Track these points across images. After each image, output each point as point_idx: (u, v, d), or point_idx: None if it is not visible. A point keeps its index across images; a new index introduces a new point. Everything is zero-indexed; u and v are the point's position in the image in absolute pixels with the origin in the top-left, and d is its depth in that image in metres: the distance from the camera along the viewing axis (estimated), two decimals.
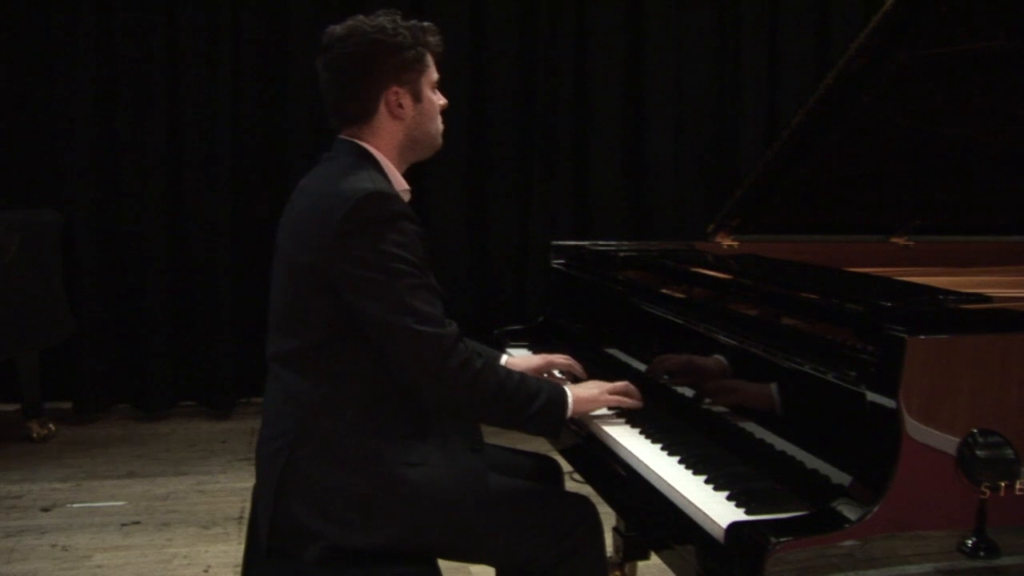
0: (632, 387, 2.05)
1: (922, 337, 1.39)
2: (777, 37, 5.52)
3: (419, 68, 1.95)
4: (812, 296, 1.80)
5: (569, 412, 1.95)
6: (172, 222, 5.04)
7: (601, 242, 2.77)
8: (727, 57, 5.51)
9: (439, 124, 2.01)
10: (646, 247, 2.74)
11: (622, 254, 2.57)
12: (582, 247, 2.79)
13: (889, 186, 2.65)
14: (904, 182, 2.62)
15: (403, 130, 1.96)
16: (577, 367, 2.30)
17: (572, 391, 1.98)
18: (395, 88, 1.92)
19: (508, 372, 1.92)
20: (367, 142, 1.94)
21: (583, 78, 5.35)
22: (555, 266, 2.80)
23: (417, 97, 1.95)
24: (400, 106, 1.93)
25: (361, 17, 1.94)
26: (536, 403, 1.89)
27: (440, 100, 2.01)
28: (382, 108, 1.93)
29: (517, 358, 2.35)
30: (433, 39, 1.98)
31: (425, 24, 1.97)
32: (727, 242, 2.70)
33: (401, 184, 1.97)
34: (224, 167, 5.01)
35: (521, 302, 5.29)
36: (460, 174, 5.27)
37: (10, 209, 4.54)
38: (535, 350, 2.65)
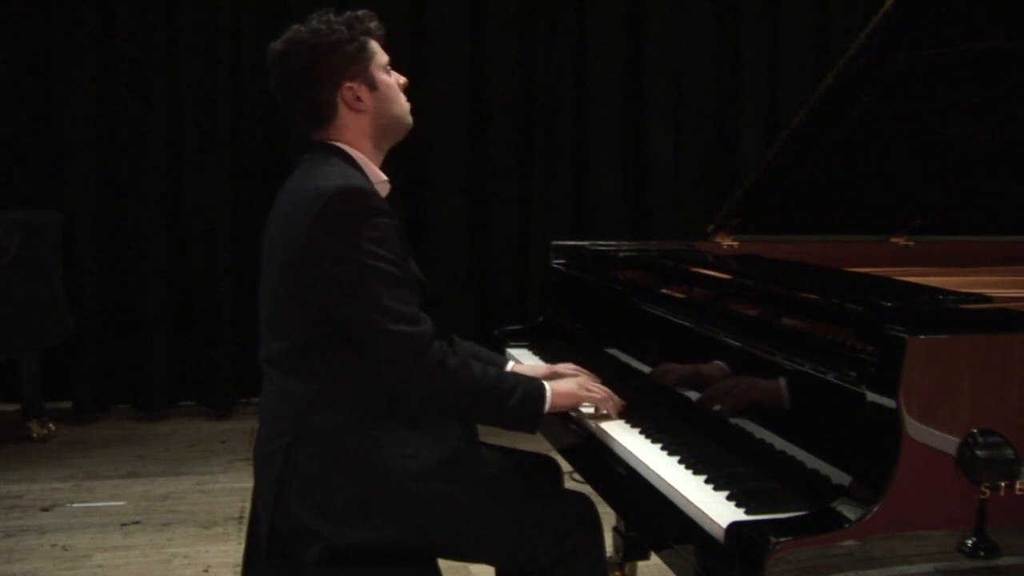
0: (614, 399, 2.04)
1: (922, 337, 1.39)
2: (777, 37, 5.52)
3: (364, 58, 1.94)
4: (812, 296, 1.79)
5: (547, 406, 1.95)
6: (172, 222, 5.03)
7: (601, 242, 2.76)
8: (727, 57, 5.51)
9: (403, 103, 2.01)
10: (646, 247, 2.73)
11: (622, 254, 2.57)
12: (582, 247, 2.78)
13: (889, 186, 2.64)
14: (904, 182, 2.61)
15: (369, 121, 1.96)
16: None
17: (551, 386, 1.98)
18: (348, 84, 1.93)
19: (484, 369, 1.92)
20: (338, 140, 1.95)
21: (583, 78, 5.35)
22: (555, 266, 2.80)
23: (372, 85, 1.95)
24: (358, 99, 1.94)
25: (296, 26, 1.95)
26: (513, 398, 1.90)
27: (399, 79, 2.01)
28: (341, 107, 1.94)
29: (523, 365, 2.34)
30: (372, 24, 1.97)
31: (360, 12, 1.97)
32: (727, 242, 2.69)
33: (378, 177, 1.97)
34: (224, 167, 5.01)
35: (521, 302, 5.28)
36: (460, 174, 5.27)
37: (10, 209, 4.54)
38: (535, 350, 2.66)
